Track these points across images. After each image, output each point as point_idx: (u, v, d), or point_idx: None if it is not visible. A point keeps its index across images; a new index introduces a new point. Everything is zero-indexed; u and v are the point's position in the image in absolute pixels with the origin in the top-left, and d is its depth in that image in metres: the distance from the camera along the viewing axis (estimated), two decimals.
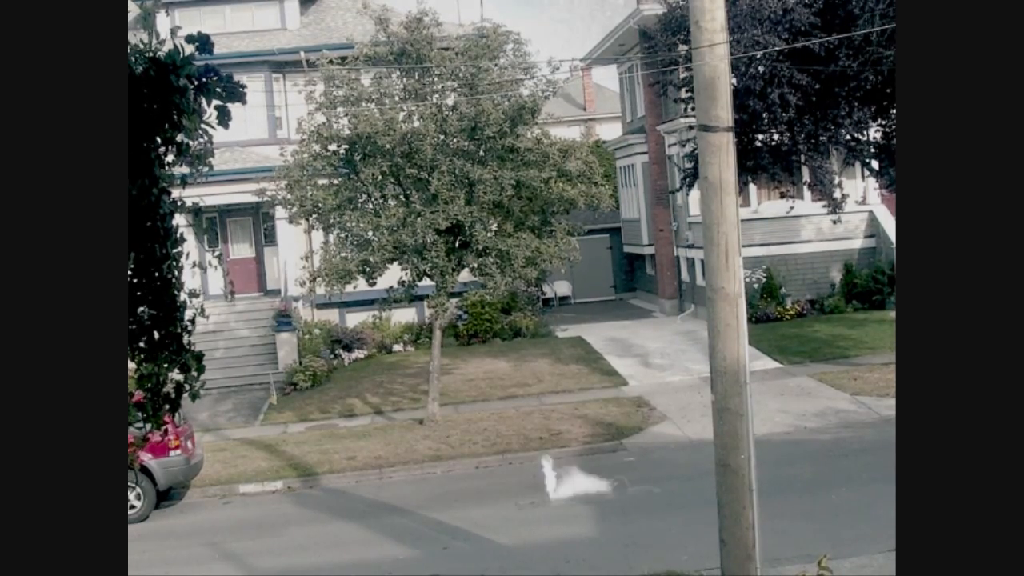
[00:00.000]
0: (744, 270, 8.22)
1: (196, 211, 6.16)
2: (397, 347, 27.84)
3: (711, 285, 7.67)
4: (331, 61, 19.86)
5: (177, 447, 15.89)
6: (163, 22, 26.18)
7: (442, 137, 19.19)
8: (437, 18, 19.72)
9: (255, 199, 23.18)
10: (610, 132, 35.40)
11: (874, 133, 21.06)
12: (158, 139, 5.33)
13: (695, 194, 22.63)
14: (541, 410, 20.18)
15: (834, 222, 22.85)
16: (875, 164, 21.24)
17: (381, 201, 19.67)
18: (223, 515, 15.93)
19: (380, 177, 19.17)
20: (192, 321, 5.69)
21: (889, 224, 26.67)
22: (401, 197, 19.72)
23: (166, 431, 9.64)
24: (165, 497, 16.48)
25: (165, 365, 5.60)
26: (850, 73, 18.77)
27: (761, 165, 20.51)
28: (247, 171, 25.71)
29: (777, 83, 18.68)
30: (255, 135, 28.36)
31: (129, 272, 5.36)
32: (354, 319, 28.65)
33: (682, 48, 20.00)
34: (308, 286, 19.76)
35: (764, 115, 19.36)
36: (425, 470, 17.14)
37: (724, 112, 7.47)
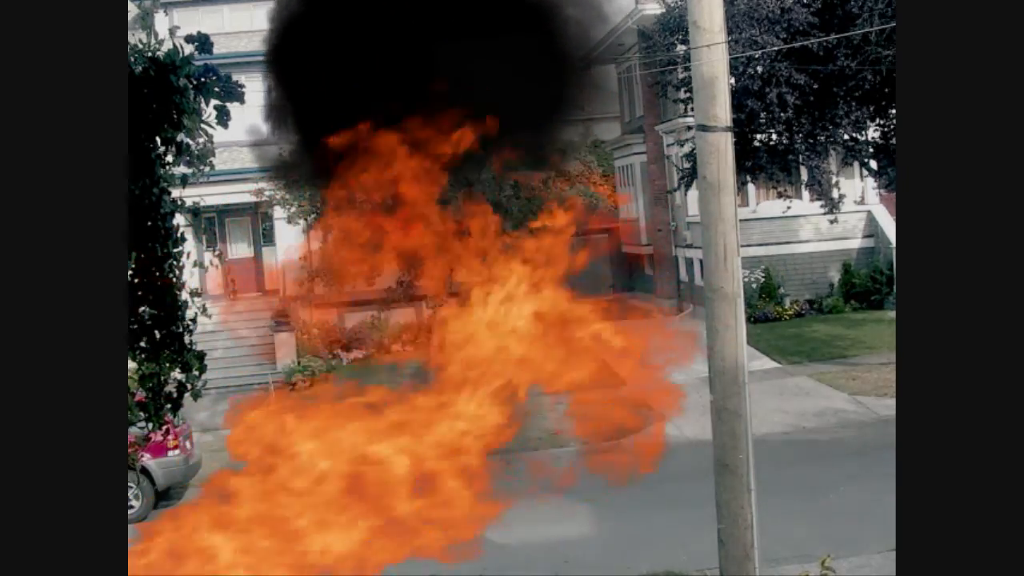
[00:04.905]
0: (742, 270, 8.22)
1: (195, 211, 6.18)
2: (396, 347, 27.82)
3: (709, 285, 7.67)
4: None
5: (176, 447, 15.87)
6: (162, 22, 26.15)
7: None
8: None
9: (254, 199, 23.15)
10: (608, 132, 35.45)
11: (873, 133, 21.05)
12: (158, 139, 5.34)
13: (693, 194, 22.62)
14: (539, 409, 20.14)
15: (831, 222, 22.85)
16: (874, 164, 21.24)
17: None
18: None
19: None
20: (194, 320, 5.70)
21: (887, 224, 26.65)
22: None
23: (166, 431, 9.65)
24: (163, 497, 16.45)
25: (167, 364, 5.60)
26: (848, 73, 18.76)
27: (759, 165, 20.51)
28: (246, 171, 25.68)
29: (775, 83, 18.67)
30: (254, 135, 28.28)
31: (130, 272, 5.36)
32: (353, 319, 28.63)
33: (681, 48, 19.99)
34: (307, 286, 19.78)
35: (762, 115, 19.34)
36: None
37: (723, 112, 7.45)
